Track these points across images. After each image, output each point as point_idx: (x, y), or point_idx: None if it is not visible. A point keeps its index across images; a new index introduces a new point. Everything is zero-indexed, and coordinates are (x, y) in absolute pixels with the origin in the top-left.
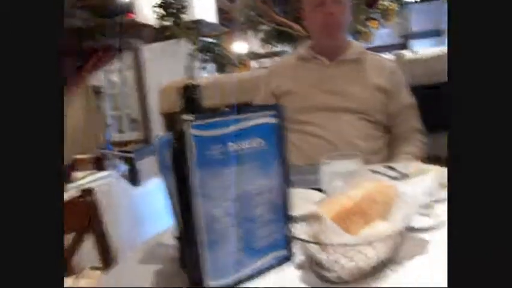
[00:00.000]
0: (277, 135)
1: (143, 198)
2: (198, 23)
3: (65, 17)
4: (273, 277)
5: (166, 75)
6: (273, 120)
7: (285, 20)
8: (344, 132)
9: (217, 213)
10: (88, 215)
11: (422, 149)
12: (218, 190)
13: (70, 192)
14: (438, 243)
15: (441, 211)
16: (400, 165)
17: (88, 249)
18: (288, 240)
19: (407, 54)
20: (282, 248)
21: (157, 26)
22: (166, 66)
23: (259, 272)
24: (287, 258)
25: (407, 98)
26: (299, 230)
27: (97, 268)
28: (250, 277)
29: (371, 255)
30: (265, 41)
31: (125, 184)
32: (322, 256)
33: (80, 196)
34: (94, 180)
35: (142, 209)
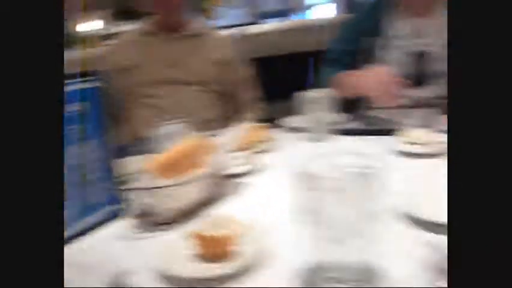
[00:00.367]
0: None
1: None
2: None
3: None
4: (113, 226)
5: None
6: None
7: None
8: (184, 103)
9: None
10: None
11: (260, 114)
12: None
13: None
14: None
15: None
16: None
17: None
18: (122, 196)
19: (252, 29)
20: (118, 203)
21: None
22: None
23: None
24: (122, 211)
25: (245, 70)
26: (132, 184)
27: None
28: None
29: (187, 196)
30: (113, 19)
31: None
32: (149, 200)
33: None
34: None
35: None
